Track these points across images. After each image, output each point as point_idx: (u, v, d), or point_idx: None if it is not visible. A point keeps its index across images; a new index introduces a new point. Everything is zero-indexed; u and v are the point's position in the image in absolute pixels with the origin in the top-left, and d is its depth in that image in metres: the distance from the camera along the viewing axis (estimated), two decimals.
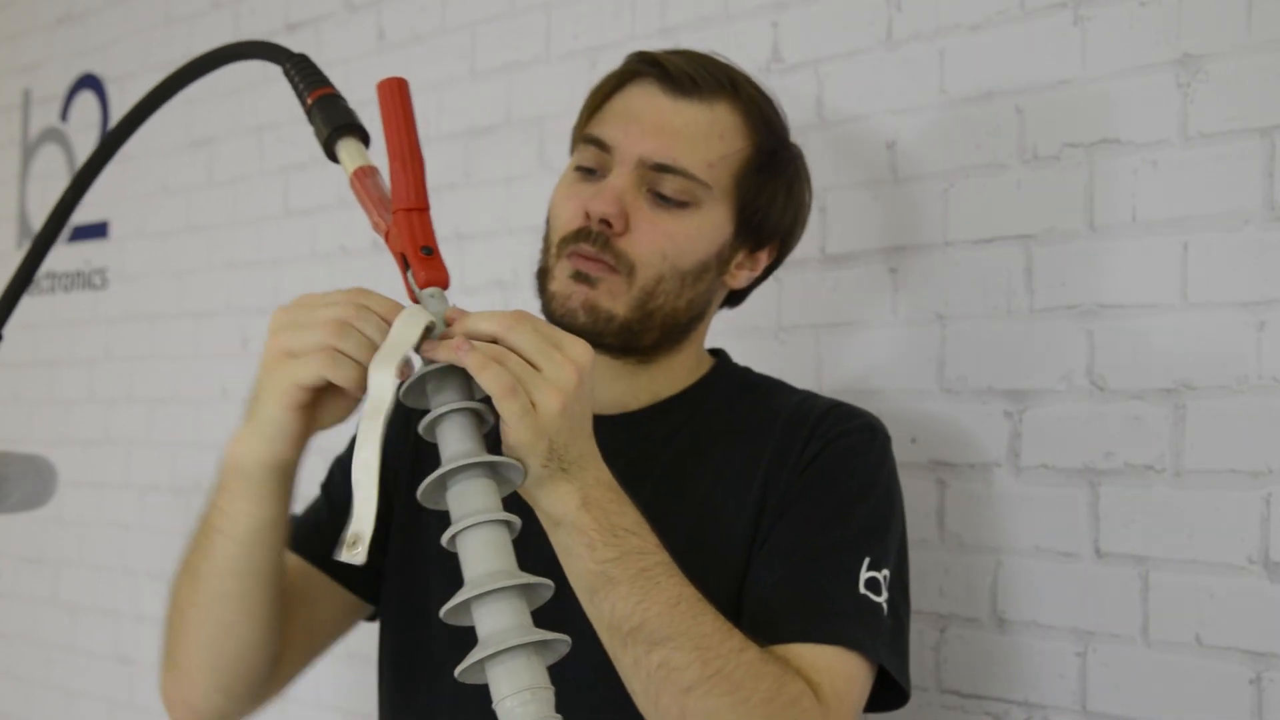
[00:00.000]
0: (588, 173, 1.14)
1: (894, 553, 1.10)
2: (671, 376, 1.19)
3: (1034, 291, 1.37)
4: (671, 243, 1.11)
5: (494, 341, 0.86)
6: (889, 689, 1.08)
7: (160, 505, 2.53)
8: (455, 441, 0.84)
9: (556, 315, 1.11)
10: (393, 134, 0.90)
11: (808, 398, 1.18)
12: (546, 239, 1.16)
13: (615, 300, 1.10)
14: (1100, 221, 1.32)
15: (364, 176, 0.93)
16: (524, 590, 0.82)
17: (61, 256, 2.84)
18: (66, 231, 2.77)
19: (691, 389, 1.19)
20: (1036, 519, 1.36)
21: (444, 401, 0.85)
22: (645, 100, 1.13)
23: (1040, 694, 1.35)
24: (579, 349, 0.88)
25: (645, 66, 1.15)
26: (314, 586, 1.17)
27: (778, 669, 0.95)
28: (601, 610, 0.90)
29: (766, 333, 1.59)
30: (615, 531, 0.90)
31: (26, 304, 2.07)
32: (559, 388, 0.85)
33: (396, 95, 0.90)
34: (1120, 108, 1.31)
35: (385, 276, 2.23)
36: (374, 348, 0.85)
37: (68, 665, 2.74)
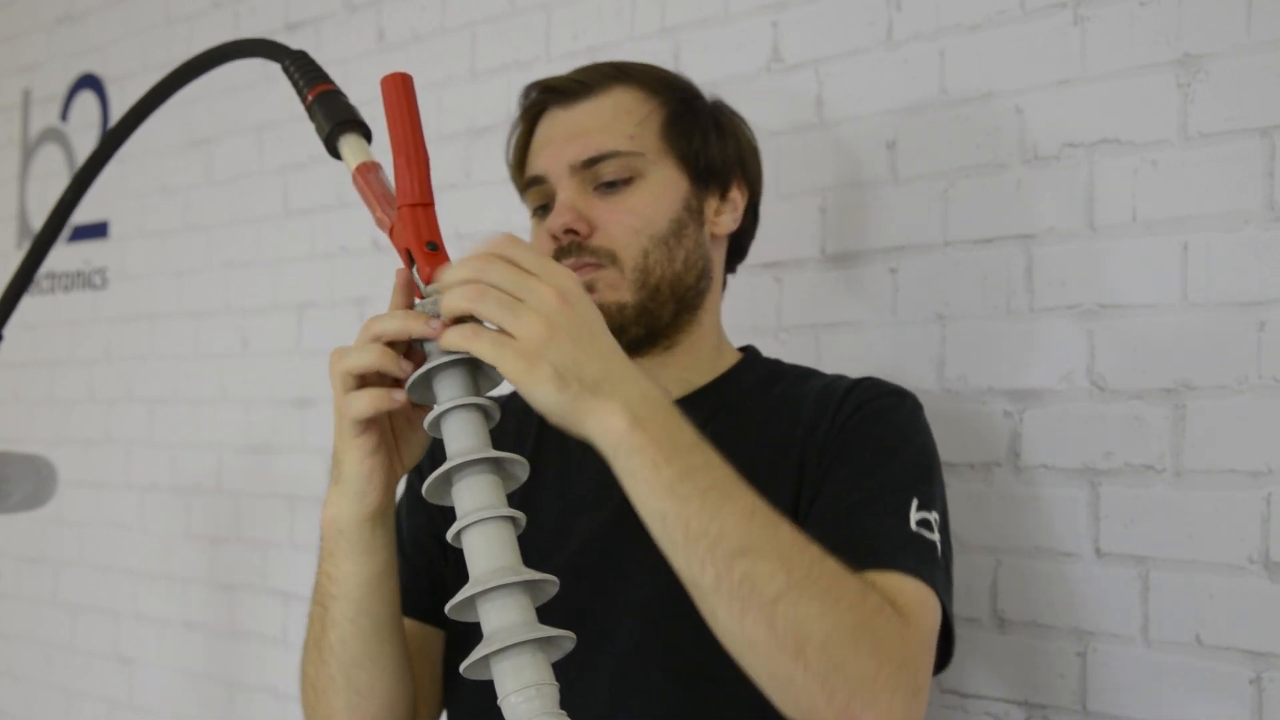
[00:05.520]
0: (543, 211, 1.19)
1: (940, 498, 1.09)
2: (696, 361, 1.20)
3: (1034, 291, 1.37)
4: (637, 216, 1.15)
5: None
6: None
7: (160, 505, 2.53)
8: (459, 437, 0.84)
9: None
10: (397, 129, 0.90)
11: (838, 377, 1.19)
12: None
13: (618, 291, 1.13)
14: (1100, 221, 1.32)
15: (367, 172, 0.93)
16: (529, 586, 0.81)
17: (61, 256, 2.84)
18: (66, 231, 2.77)
19: (722, 378, 1.21)
20: (1036, 519, 1.36)
21: (448, 398, 0.85)
22: (550, 123, 1.19)
23: (1040, 694, 1.35)
24: (559, 273, 0.86)
25: (536, 94, 1.21)
26: (427, 640, 1.17)
27: (858, 580, 0.92)
28: (674, 533, 0.86)
29: (766, 333, 1.59)
30: (677, 447, 0.86)
31: (26, 304, 2.08)
32: (537, 311, 0.83)
33: (401, 90, 0.90)
34: (1120, 108, 1.31)
35: (385, 276, 2.22)
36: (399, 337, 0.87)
37: (68, 665, 2.74)
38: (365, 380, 0.89)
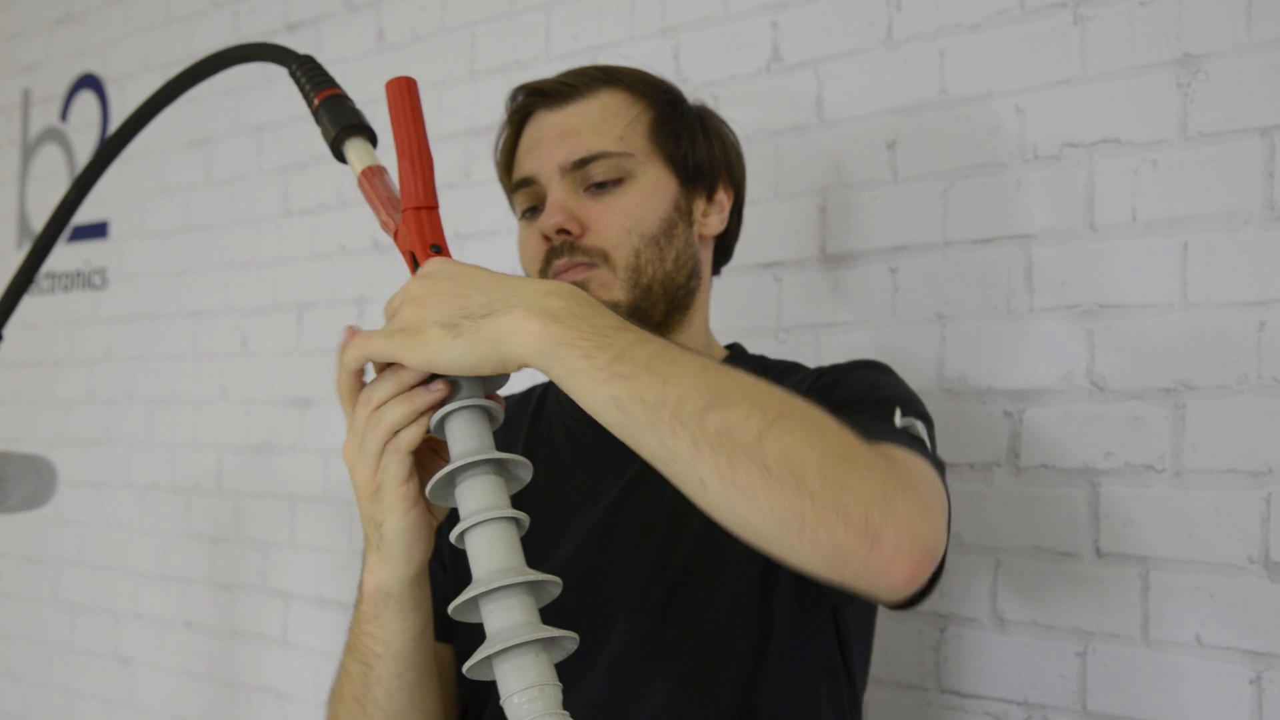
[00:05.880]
0: (532, 213, 1.20)
1: (927, 421, 1.06)
2: None
3: (1034, 291, 1.37)
4: (628, 216, 1.16)
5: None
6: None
7: (160, 505, 2.53)
8: (463, 439, 0.84)
9: None
10: (401, 133, 0.90)
11: (821, 368, 1.20)
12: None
13: (610, 289, 1.14)
14: (1100, 221, 1.32)
15: (372, 176, 0.93)
16: (532, 587, 0.81)
17: (61, 256, 2.84)
18: (66, 231, 2.77)
19: None
20: (1036, 519, 1.36)
21: (451, 399, 0.85)
22: (538, 125, 1.20)
23: (1040, 694, 1.35)
24: (416, 276, 0.87)
25: (526, 98, 1.21)
26: (439, 657, 1.16)
27: (834, 418, 0.86)
28: (634, 411, 0.80)
29: (766, 333, 1.59)
30: (603, 331, 0.81)
31: (26, 304, 2.08)
32: (405, 300, 0.84)
33: (405, 94, 0.91)
34: (1120, 108, 1.31)
35: (385, 276, 2.23)
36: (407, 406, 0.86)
37: (68, 665, 2.74)
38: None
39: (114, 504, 2.65)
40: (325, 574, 2.19)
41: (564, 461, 1.18)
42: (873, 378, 1.12)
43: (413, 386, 0.85)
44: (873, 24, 1.52)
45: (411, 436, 0.85)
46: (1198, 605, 1.24)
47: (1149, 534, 1.28)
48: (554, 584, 0.83)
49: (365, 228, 2.14)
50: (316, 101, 0.96)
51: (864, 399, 1.06)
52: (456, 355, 0.81)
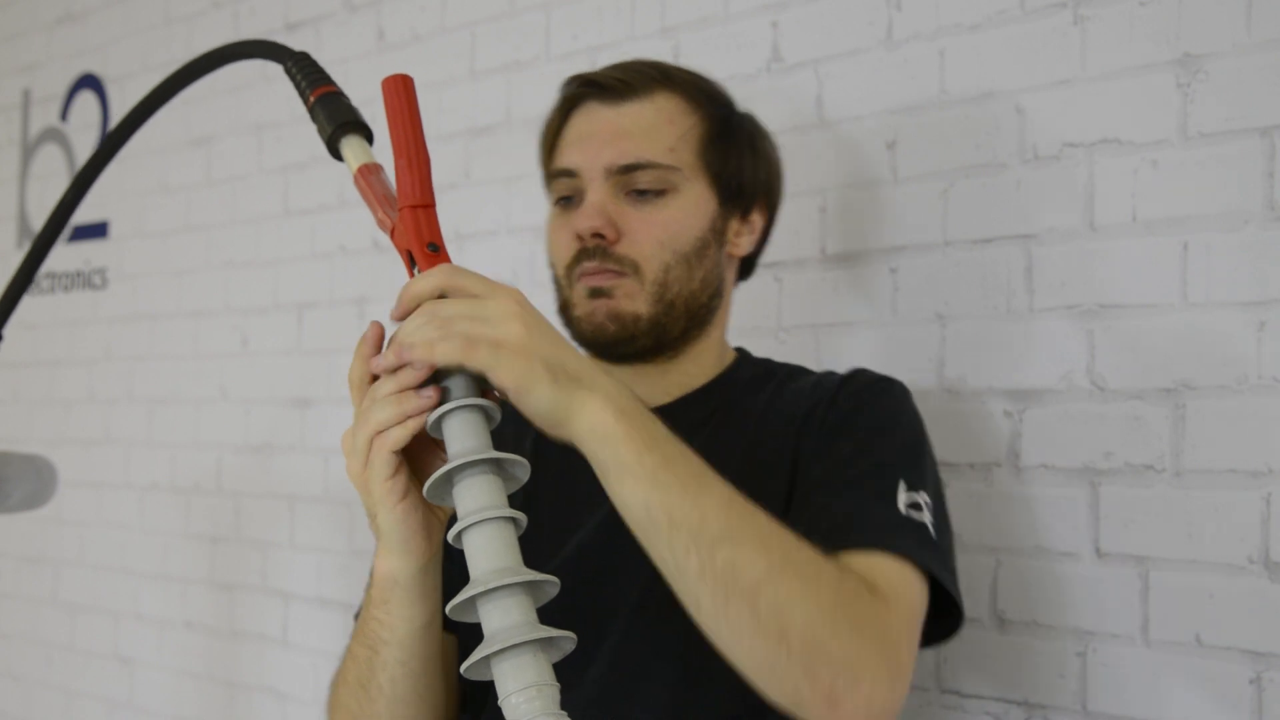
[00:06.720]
0: (566, 202, 1.19)
1: (930, 478, 1.10)
2: (699, 367, 1.21)
3: (1034, 291, 1.37)
4: (665, 230, 1.15)
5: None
6: (943, 617, 1.08)
7: (160, 505, 2.53)
8: (461, 439, 0.84)
9: (587, 336, 1.15)
10: (398, 130, 0.90)
11: (828, 373, 1.21)
12: (554, 277, 1.20)
13: (635, 301, 1.14)
14: (1100, 221, 1.32)
15: (368, 174, 0.93)
16: (530, 587, 0.81)
17: (61, 256, 2.84)
18: (66, 231, 2.77)
19: (716, 380, 1.22)
20: (1036, 519, 1.36)
21: (448, 399, 0.85)
22: (590, 117, 1.19)
23: (1040, 694, 1.35)
24: (505, 287, 0.87)
25: (579, 88, 1.21)
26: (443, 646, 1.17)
27: (835, 564, 0.94)
28: (659, 520, 0.87)
29: (766, 333, 1.59)
30: (655, 439, 0.88)
31: (26, 304, 2.08)
32: (508, 315, 0.85)
33: (402, 92, 0.90)
34: (1120, 108, 1.31)
35: (384, 277, 2.24)
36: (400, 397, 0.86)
37: (68, 665, 2.74)
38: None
39: (114, 504, 2.65)
40: (325, 574, 2.19)
41: (574, 458, 1.18)
42: (882, 420, 1.12)
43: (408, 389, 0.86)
44: (873, 24, 1.52)
45: (397, 436, 0.86)
46: (1198, 605, 1.24)
47: (1149, 534, 1.28)
48: (551, 583, 0.83)
49: (365, 228, 2.14)
50: (312, 98, 0.96)
51: (870, 466, 1.07)
52: (545, 398, 0.85)
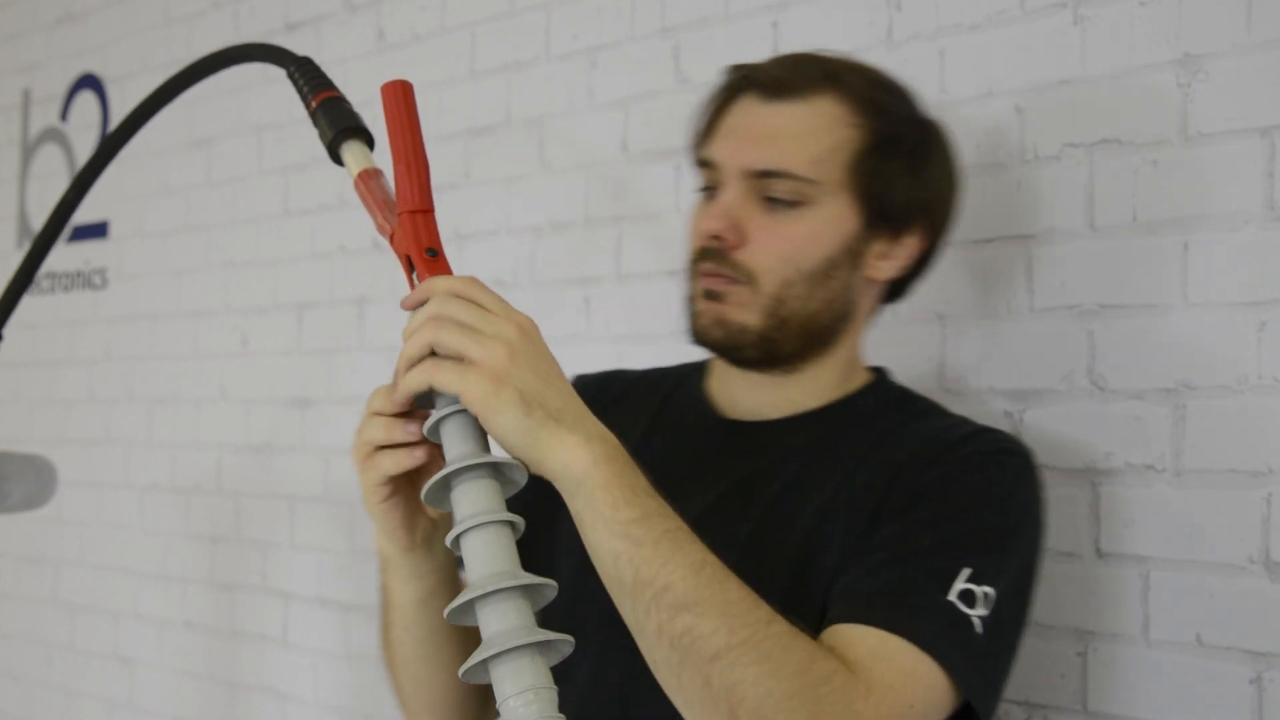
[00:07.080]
0: (709, 192, 1.14)
1: (1009, 575, 1.00)
2: (818, 387, 1.15)
3: (1034, 291, 1.37)
4: (789, 245, 1.08)
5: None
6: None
7: (160, 505, 2.53)
8: (458, 443, 0.84)
9: (698, 334, 1.12)
10: (397, 136, 0.90)
11: (960, 421, 1.13)
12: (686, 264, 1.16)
13: (745, 311, 1.09)
14: (1100, 221, 1.32)
15: (368, 179, 0.93)
16: (527, 591, 0.82)
17: (61, 256, 2.84)
18: (66, 231, 2.77)
19: (836, 404, 1.15)
20: None
21: (446, 404, 0.86)
22: (743, 112, 1.13)
23: (1040, 694, 1.35)
24: (518, 313, 0.87)
25: (739, 79, 1.14)
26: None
27: (808, 644, 0.89)
28: (625, 575, 0.86)
29: None
30: (635, 490, 0.86)
31: (26, 304, 2.08)
32: (501, 337, 0.84)
33: (401, 97, 0.90)
34: (1120, 108, 1.31)
35: (385, 277, 2.23)
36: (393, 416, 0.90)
37: (68, 665, 2.74)
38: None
39: (114, 504, 2.65)
40: (325, 574, 2.19)
41: (678, 453, 1.16)
42: (983, 496, 1.03)
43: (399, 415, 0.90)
44: (873, 24, 1.52)
45: (385, 466, 0.91)
46: (1198, 605, 1.24)
47: (1149, 534, 1.28)
48: (549, 587, 0.83)
49: (365, 228, 2.13)
50: (314, 103, 0.96)
51: (940, 542, 0.99)
52: (512, 426, 0.84)
